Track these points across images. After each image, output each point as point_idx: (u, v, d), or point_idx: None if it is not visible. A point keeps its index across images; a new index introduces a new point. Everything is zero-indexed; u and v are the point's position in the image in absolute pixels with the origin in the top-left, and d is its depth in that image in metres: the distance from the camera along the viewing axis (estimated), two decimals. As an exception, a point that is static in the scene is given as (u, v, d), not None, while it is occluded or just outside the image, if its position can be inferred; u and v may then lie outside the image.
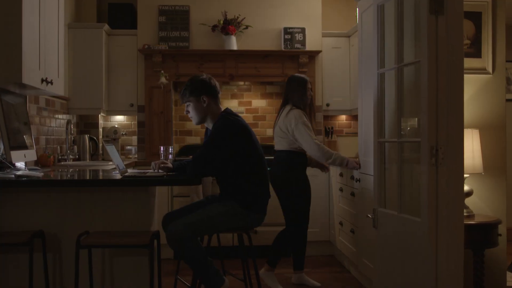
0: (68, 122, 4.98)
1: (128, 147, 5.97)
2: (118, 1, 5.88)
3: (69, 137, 4.96)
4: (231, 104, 6.11)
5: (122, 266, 3.26)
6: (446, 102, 2.88)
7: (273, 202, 5.30)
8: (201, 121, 3.35)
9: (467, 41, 3.63)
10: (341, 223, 5.07)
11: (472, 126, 3.60)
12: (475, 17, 3.62)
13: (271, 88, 6.16)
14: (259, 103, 6.16)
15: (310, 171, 5.38)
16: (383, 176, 3.43)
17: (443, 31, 2.88)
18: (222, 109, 3.38)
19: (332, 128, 5.85)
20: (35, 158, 3.51)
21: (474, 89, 3.66)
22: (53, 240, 3.17)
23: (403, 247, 3.15)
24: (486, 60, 3.64)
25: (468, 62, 3.62)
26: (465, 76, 3.59)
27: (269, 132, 6.13)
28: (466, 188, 3.44)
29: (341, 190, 5.04)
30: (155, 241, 3.11)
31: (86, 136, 5.34)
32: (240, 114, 6.00)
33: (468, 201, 3.53)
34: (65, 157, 4.90)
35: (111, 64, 5.68)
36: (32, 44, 3.19)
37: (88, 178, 3.27)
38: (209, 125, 3.35)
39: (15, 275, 3.14)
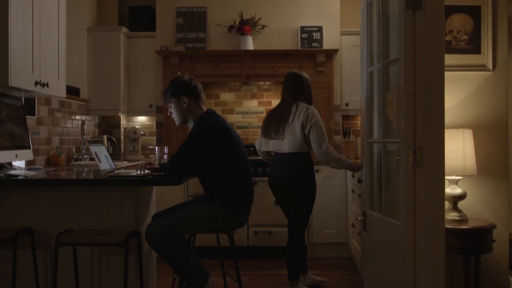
0: (83, 123, 5.13)
1: (150, 147, 6.08)
2: (138, 4, 6.01)
3: (84, 137, 5.10)
4: (251, 104, 6.12)
5: (108, 264, 3.33)
6: (424, 102, 2.76)
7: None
8: (183, 122, 3.36)
9: (465, 37, 3.46)
10: (353, 225, 4.97)
11: (468, 126, 3.43)
12: (474, 12, 3.44)
13: (291, 88, 6.11)
14: (279, 103, 6.11)
15: (326, 172, 5.34)
16: (372, 178, 3.33)
17: (421, 27, 2.76)
18: (205, 110, 3.37)
19: (349, 128, 5.73)
20: (31, 157, 3.64)
21: (473, 87, 3.48)
22: (40, 237, 3.28)
23: (386, 250, 3.06)
24: (486, 56, 3.45)
25: (466, 59, 3.48)
26: (463, 73, 3.48)
27: (289, 132, 6.08)
28: (459, 191, 3.28)
29: (353, 191, 4.94)
30: (136, 240, 3.18)
31: (105, 137, 5.49)
32: (259, 114, 6.08)
33: (463, 204, 3.37)
34: (81, 157, 5.06)
35: (132, 66, 5.82)
36: (23, 48, 3.30)
37: (74, 178, 3.36)
38: (191, 125, 3.37)
39: (5, 271, 3.27)
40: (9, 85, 3.12)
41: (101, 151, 3.35)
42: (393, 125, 3.14)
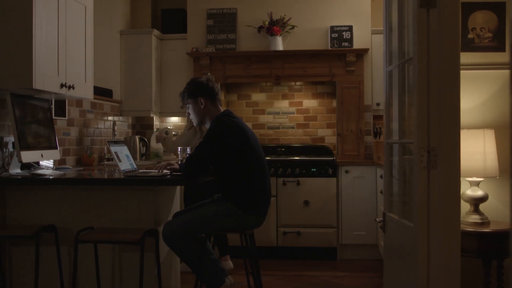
0: (114, 123, 5.26)
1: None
2: (170, 7, 6.11)
3: (115, 138, 5.23)
4: (282, 105, 6.13)
5: (128, 262, 3.40)
6: (438, 101, 2.70)
7: (313, 206, 5.28)
8: (200, 122, 3.41)
9: (488, 34, 3.36)
10: (381, 227, 4.89)
11: (492, 126, 3.32)
12: (498, 8, 3.33)
13: (322, 88, 6.09)
14: (310, 103, 6.11)
15: (355, 173, 5.29)
16: (391, 180, 3.28)
17: (435, 25, 2.70)
18: (222, 111, 3.40)
19: (380, 128, 5.64)
20: (58, 157, 3.77)
21: (497, 85, 3.37)
22: (64, 234, 3.38)
23: (402, 253, 3.01)
24: (511, 54, 3.34)
25: (491, 57, 3.38)
26: (487, 72, 3.38)
27: (320, 132, 6.08)
28: (480, 192, 3.19)
29: (381, 192, 4.86)
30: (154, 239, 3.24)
31: (137, 137, 5.60)
32: (290, 115, 6.08)
33: (485, 207, 3.27)
34: (112, 156, 5.18)
35: (163, 68, 5.93)
36: (48, 52, 3.41)
37: (92, 177, 3.46)
38: (208, 126, 3.40)
39: (30, 266, 3.40)
40: (33, 87, 3.23)
41: (122, 151, 3.43)
42: (410, 125, 3.08)
